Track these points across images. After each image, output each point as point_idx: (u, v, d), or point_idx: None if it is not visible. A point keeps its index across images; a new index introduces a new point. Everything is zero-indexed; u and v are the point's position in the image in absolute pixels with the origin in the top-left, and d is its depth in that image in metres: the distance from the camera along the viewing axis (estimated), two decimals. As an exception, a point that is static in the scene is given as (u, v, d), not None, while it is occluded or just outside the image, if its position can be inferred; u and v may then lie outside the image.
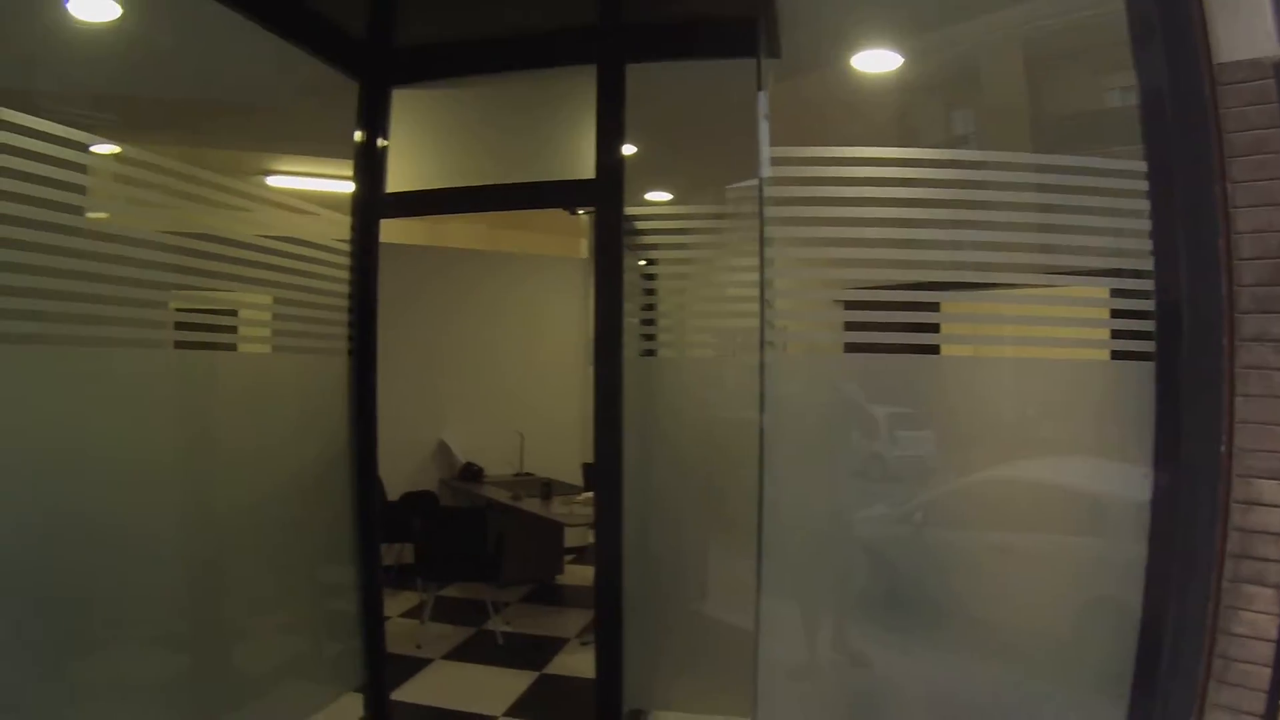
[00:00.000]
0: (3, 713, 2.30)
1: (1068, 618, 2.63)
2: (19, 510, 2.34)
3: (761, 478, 2.62)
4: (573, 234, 8.65)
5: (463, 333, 7.92)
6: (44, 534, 2.42)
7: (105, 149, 2.54)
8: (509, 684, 4.80)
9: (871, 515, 2.82)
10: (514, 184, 3.64)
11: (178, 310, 2.93)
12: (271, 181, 3.40)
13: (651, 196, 4.02)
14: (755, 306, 3.05)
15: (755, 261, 2.70)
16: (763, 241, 2.62)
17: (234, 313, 3.26)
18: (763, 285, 2.63)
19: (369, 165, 3.69)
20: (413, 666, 5.02)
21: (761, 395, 2.60)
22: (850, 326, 2.66)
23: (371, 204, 3.74)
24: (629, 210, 3.57)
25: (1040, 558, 2.62)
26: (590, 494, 6.03)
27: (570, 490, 6.80)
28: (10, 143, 2.20)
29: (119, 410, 2.68)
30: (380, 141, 3.69)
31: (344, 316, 3.67)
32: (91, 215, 2.57)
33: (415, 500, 6.94)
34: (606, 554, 3.49)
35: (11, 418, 2.33)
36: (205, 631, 3.07)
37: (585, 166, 3.51)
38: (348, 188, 3.71)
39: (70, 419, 2.51)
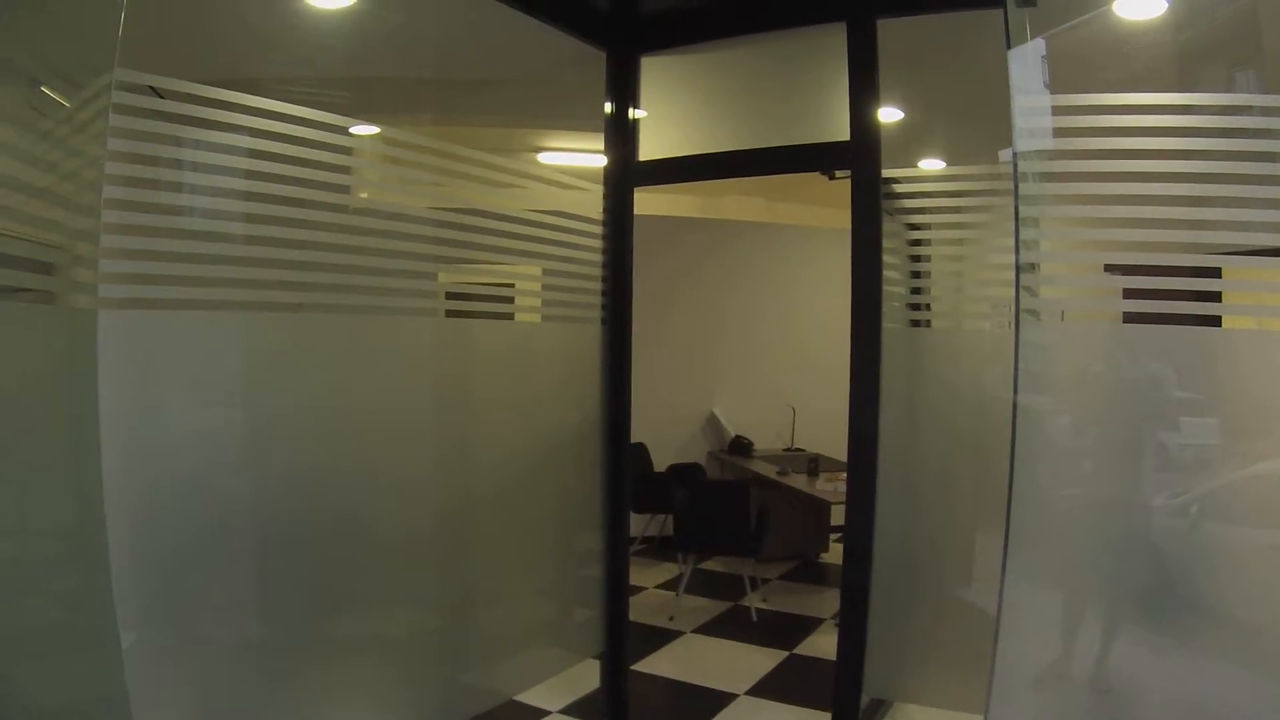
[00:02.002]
0: (263, 658, 2.49)
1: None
2: (291, 466, 2.52)
3: (1012, 459, 2.37)
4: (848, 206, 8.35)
5: (737, 306, 7.90)
6: (314, 489, 2.59)
7: (364, 130, 2.66)
8: (756, 662, 4.73)
9: (1147, 506, 2.47)
10: (765, 149, 3.51)
11: (449, 284, 3.08)
12: (533, 157, 3.47)
13: (925, 164, 3.75)
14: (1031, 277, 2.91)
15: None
16: (1017, 212, 2.36)
17: (510, 284, 3.45)
18: (1018, 250, 2.35)
19: (620, 134, 3.70)
20: (662, 638, 5.07)
21: (1016, 368, 2.35)
22: (1127, 294, 2.33)
23: (624, 173, 3.74)
24: (890, 173, 3.36)
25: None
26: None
27: (839, 467, 6.58)
28: (275, 130, 2.35)
29: (391, 373, 2.83)
30: (631, 111, 3.68)
31: (600, 286, 3.71)
32: (358, 194, 2.72)
33: (681, 472, 7.01)
34: (856, 533, 3.33)
35: (288, 378, 2.51)
36: (455, 589, 3.20)
37: (840, 129, 3.32)
38: (603, 160, 3.74)
39: (345, 382, 2.67)
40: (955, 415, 3.46)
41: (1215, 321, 2.18)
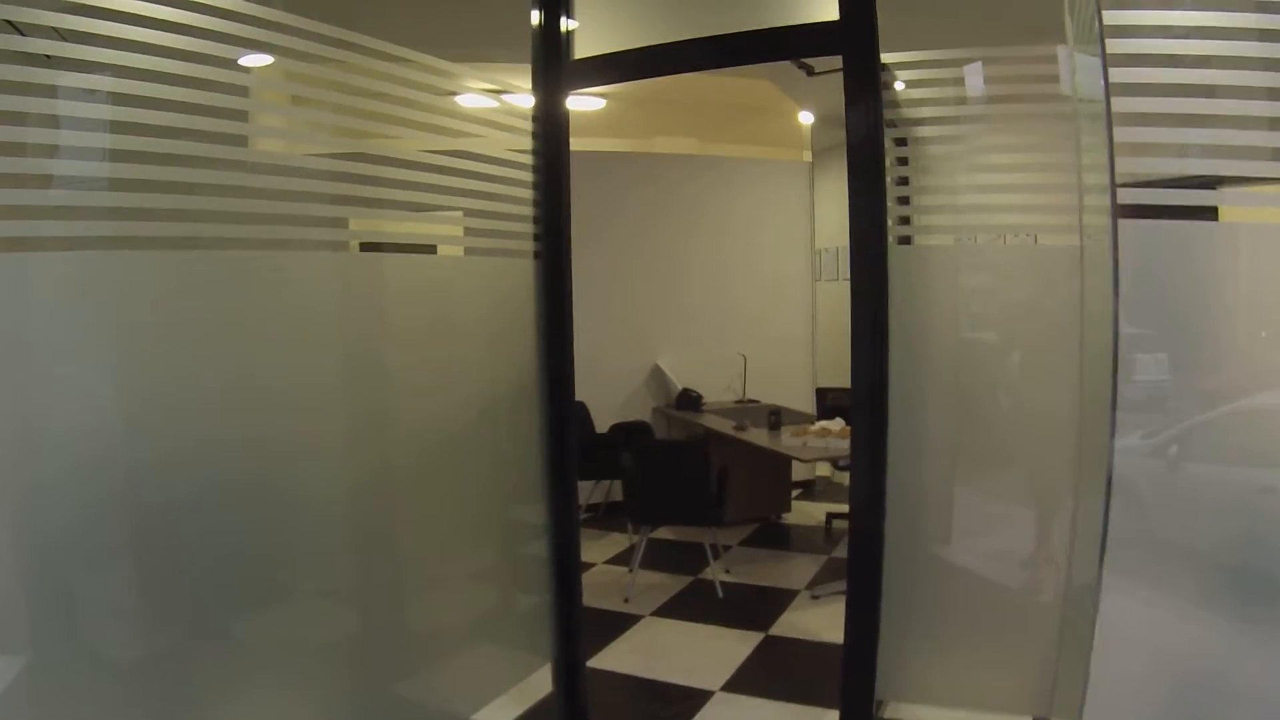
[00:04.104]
0: (151, 667, 1.97)
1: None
2: (169, 442, 1.98)
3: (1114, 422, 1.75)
4: (794, 145, 7.75)
5: (674, 247, 7.20)
6: (198, 465, 2.04)
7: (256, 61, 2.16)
8: (729, 648, 4.11)
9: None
10: (730, 35, 2.81)
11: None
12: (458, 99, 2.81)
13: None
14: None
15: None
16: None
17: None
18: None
19: (551, 37, 2.99)
20: (619, 624, 4.42)
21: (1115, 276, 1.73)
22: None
23: (556, 75, 3.02)
24: (894, 58, 2.69)
25: None
26: (826, 423, 5.21)
27: (801, 419, 5.99)
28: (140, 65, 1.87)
29: (291, 322, 2.27)
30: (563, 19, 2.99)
31: (531, 212, 3.01)
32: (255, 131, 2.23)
33: (626, 432, 6.35)
34: (865, 499, 2.67)
35: (165, 332, 1.98)
36: (374, 580, 2.56)
37: (825, 7, 2.64)
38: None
39: (234, 334, 2.12)
40: (948, 344, 2.82)
41: None
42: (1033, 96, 2.67)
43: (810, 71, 3.73)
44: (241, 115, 2.11)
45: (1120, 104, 1.82)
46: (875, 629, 2.71)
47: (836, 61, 2.68)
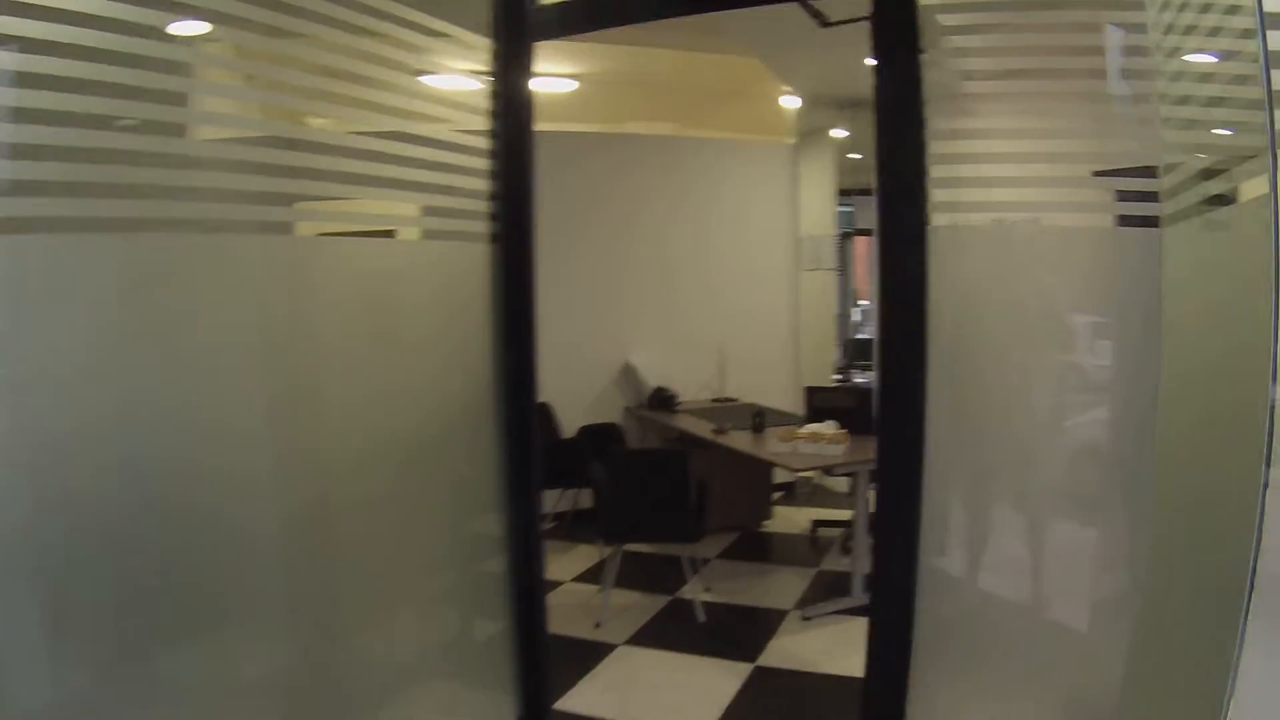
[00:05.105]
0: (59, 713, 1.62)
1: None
2: (84, 459, 1.62)
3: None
4: (776, 130, 7.30)
5: (647, 234, 6.70)
6: (119, 482, 1.67)
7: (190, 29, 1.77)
8: (715, 683, 3.64)
9: None
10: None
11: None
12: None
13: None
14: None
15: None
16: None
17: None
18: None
19: None
20: (590, 655, 3.93)
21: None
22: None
23: (519, 24, 2.54)
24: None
25: None
26: (816, 427, 4.73)
27: (787, 420, 5.53)
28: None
29: (224, 315, 1.89)
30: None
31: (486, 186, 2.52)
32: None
33: (595, 436, 5.85)
34: (892, 520, 2.22)
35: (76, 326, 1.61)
36: (312, 611, 2.10)
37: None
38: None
39: (159, 330, 1.75)
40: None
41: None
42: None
43: (824, 22, 3.23)
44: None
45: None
46: (907, 659, 2.26)
47: (852, 10, 2.21)
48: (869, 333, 9.23)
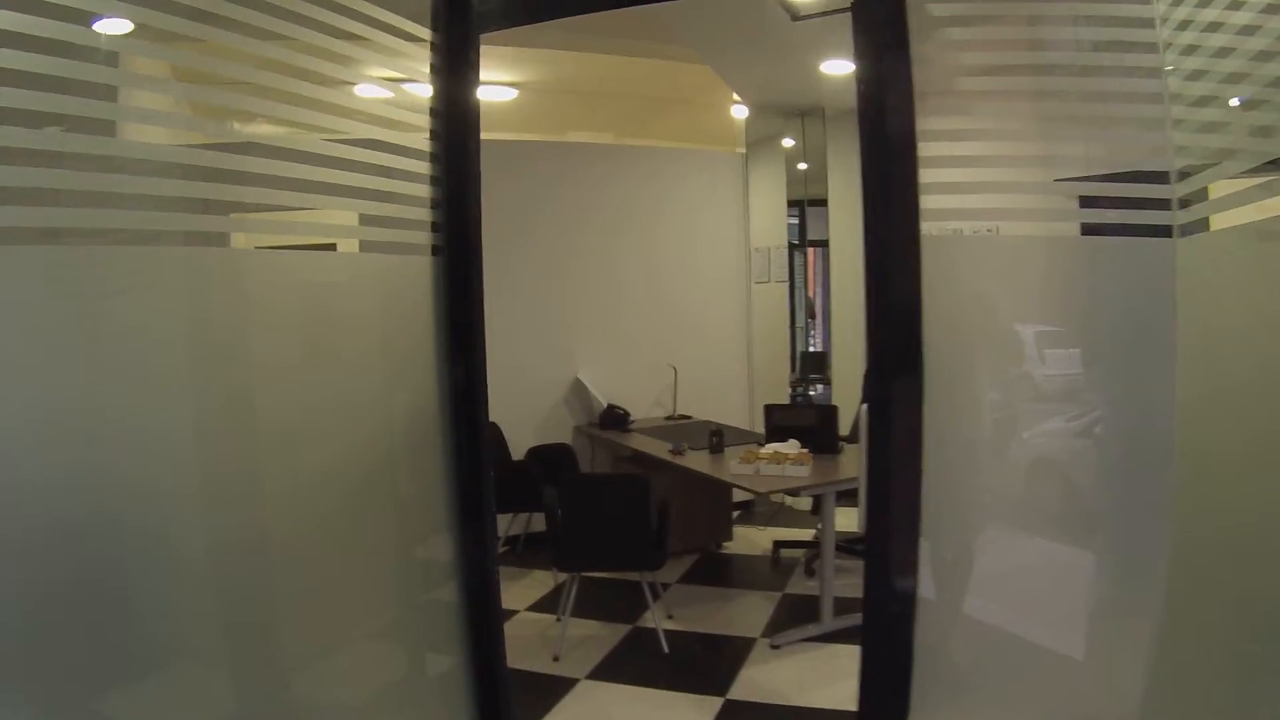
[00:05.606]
0: None
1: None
2: None
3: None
4: (725, 140, 7.17)
5: (595, 246, 6.49)
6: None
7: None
8: (685, 721, 3.42)
9: None
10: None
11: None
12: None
13: None
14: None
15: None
16: None
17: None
18: None
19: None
20: (549, 693, 3.67)
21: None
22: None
23: (463, 12, 2.33)
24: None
25: None
26: (778, 446, 4.56)
27: (746, 439, 5.34)
28: None
29: (152, 336, 1.71)
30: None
31: (429, 193, 2.30)
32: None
33: (546, 457, 5.60)
34: (884, 537, 2.03)
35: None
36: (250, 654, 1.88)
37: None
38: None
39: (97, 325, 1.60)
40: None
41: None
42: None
43: (795, 15, 3.05)
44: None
45: None
46: (906, 693, 2.06)
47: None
48: (819, 345, 9.09)
